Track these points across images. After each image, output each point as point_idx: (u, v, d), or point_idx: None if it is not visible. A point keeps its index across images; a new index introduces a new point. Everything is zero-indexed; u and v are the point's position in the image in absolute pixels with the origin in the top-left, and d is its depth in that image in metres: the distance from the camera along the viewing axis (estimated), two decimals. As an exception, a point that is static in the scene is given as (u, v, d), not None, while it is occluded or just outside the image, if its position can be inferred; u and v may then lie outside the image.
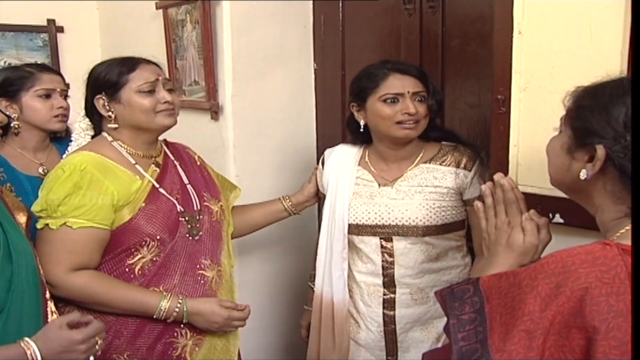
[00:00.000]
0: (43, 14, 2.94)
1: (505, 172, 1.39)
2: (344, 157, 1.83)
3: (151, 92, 1.60)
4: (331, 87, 2.36)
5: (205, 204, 1.73)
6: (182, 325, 1.60)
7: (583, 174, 0.95)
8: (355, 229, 1.74)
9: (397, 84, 1.65)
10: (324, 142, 2.40)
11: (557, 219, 1.30)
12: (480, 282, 0.94)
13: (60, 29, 3.00)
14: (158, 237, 1.58)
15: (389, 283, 1.71)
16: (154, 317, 1.55)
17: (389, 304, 1.72)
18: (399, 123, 1.64)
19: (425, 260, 1.69)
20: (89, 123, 1.69)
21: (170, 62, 2.49)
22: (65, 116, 1.98)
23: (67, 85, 2.04)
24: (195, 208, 1.69)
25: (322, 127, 2.43)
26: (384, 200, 1.72)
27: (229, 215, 1.85)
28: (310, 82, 2.41)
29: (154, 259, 1.59)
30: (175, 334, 1.60)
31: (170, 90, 1.66)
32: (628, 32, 1.15)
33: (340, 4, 2.27)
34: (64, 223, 1.50)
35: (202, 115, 2.34)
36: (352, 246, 1.77)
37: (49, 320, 1.41)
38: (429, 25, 1.97)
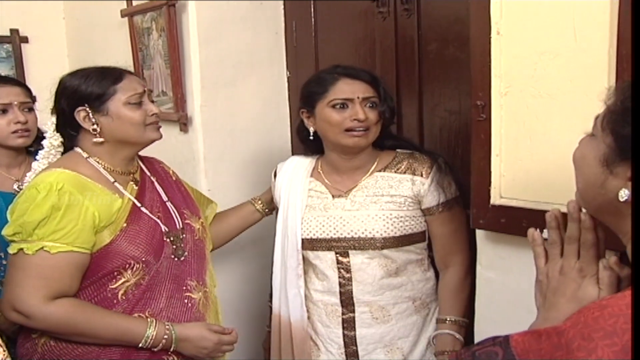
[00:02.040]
0: (6, 23, 2.82)
1: (488, 184, 1.29)
2: (295, 168, 1.76)
3: (139, 104, 1.52)
4: (306, 95, 2.25)
5: (187, 221, 1.64)
6: (169, 353, 1.50)
7: (624, 195, 0.76)
8: (309, 244, 1.65)
9: (347, 89, 1.58)
10: (300, 152, 2.29)
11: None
12: (512, 342, 0.73)
13: (25, 39, 2.88)
14: (143, 259, 1.48)
15: (347, 301, 1.62)
16: (140, 346, 1.45)
17: (348, 323, 1.63)
18: (348, 130, 1.57)
19: (385, 275, 1.60)
20: (61, 139, 1.57)
21: (137, 72, 2.38)
22: (26, 130, 1.87)
23: (31, 96, 1.92)
24: (177, 227, 1.60)
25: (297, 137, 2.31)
26: (338, 212, 1.63)
27: (209, 232, 1.76)
28: (283, 90, 2.32)
29: (139, 282, 1.49)
30: None
31: (152, 102, 1.59)
32: (615, 29, 1.06)
33: (312, 9, 2.17)
34: (41, 248, 1.39)
35: (171, 127, 2.24)
36: (307, 263, 1.68)
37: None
38: (405, 29, 1.88)
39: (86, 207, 1.42)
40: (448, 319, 1.60)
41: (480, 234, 1.37)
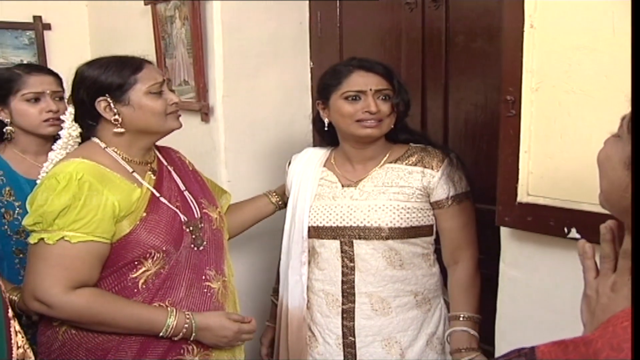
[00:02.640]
0: (29, 10, 2.82)
1: (515, 181, 1.26)
2: (309, 159, 1.78)
3: (160, 93, 1.51)
4: (328, 86, 2.23)
5: (205, 211, 1.63)
6: (188, 342, 1.50)
7: None
8: (315, 232, 1.66)
9: (360, 81, 1.59)
10: (321, 145, 2.28)
11: (574, 233, 1.16)
12: (538, 354, 0.69)
13: (48, 26, 2.87)
14: (164, 249, 1.48)
15: (348, 291, 1.62)
16: (160, 335, 1.45)
17: (347, 314, 1.62)
18: (360, 121, 1.58)
19: (388, 267, 1.59)
20: (80, 130, 1.57)
21: (160, 61, 2.37)
22: (57, 119, 1.87)
23: (62, 85, 1.92)
24: (196, 216, 1.59)
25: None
26: (346, 202, 1.64)
27: (225, 222, 1.75)
28: (306, 81, 2.30)
29: (159, 271, 1.48)
30: (182, 351, 1.50)
31: (172, 91, 1.58)
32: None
33: (338, -1, 2.14)
34: (62, 237, 1.38)
35: (192, 117, 2.22)
36: (312, 252, 1.68)
37: (12, 342, 1.29)
38: (432, 21, 1.85)
39: (106, 197, 1.41)
40: (462, 316, 1.58)
41: (504, 231, 1.34)
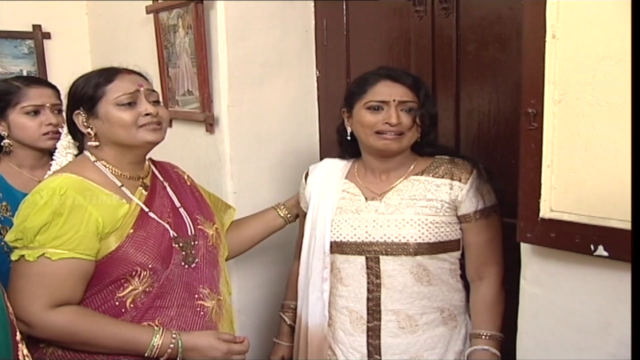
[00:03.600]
0: (28, 19, 2.79)
1: (537, 196, 1.21)
2: (329, 170, 1.71)
3: (131, 104, 1.46)
4: (335, 96, 2.18)
5: (200, 227, 1.59)
6: None
7: None
8: (338, 247, 1.60)
9: (385, 91, 1.54)
10: (328, 155, 2.22)
11: (600, 251, 1.12)
12: None
13: (47, 35, 2.85)
14: (150, 266, 1.43)
15: (374, 308, 1.56)
16: (146, 355, 1.40)
17: (373, 332, 1.57)
18: (379, 133, 1.53)
19: (416, 283, 1.54)
20: (72, 141, 1.55)
21: (162, 71, 2.34)
22: (56, 133, 1.84)
23: (60, 99, 1.89)
24: (189, 233, 1.55)
25: (326, 139, 2.27)
26: (371, 215, 1.58)
27: (224, 239, 1.71)
28: (312, 91, 2.27)
29: (147, 290, 1.44)
30: None
31: (155, 103, 1.51)
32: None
33: (344, 6, 2.11)
34: (42, 254, 1.35)
35: (197, 128, 2.20)
36: (334, 268, 1.62)
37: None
38: (442, 29, 1.81)
39: (89, 213, 1.38)
40: (484, 334, 1.53)
41: (525, 247, 1.29)
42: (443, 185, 1.55)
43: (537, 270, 1.28)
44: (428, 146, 1.62)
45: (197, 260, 1.53)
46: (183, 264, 1.50)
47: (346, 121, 1.64)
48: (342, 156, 1.73)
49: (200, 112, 2.14)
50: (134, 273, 1.42)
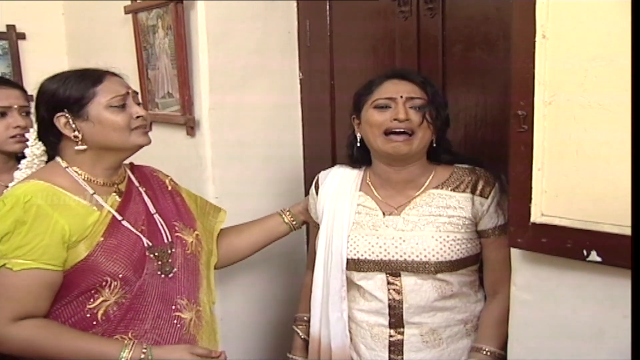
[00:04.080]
0: (2, 19, 2.70)
1: (528, 201, 1.18)
2: (342, 180, 1.62)
3: (122, 106, 1.42)
4: (319, 98, 2.16)
5: (177, 235, 1.53)
6: None
7: None
8: (355, 265, 1.52)
9: (391, 88, 1.49)
10: (312, 159, 2.20)
11: (594, 256, 1.09)
12: None
13: (22, 36, 2.76)
14: (120, 276, 1.38)
15: (396, 323, 1.50)
16: None
17: (396, 347, 1.50)
18: (388, 134, 1.46)
19: (439, 297, 1.48)
20: (42, 148, 1.48)
21: (142, 72, 2.28)
22: (24, 136, 1.77)
23: (28, 100, 1.82)
24: (165, 240, 1.50)
25: (310, 143, 2.23)
26: (389, 232, 1.50)
27: (208, 245, 1.66)
28: (295, 94, 2.22)
29: (120, 301, 1.38)
30: None
31: (139, 105, 1.48)
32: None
33: (327, 7, 2.07)
34: (3, 265, 1.30)
35: (177, 131, 2.14)
36: (351, 283, 1.56)
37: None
38: (428, 30, 1.78)
39: (55, 221, 1.33)
40: (486, 350, 1.46)
41: (515, 253, 1.26)
42: (464, 200, 1.48)
43: (528, 276, 1.25)
44: (445, 153, 1.55)
45: (174, 269, 1.48)
46: (159, 273, 1.45)
47: (356, 128, 1.57)
48: (353, 164, 1.64)
49: (180, 115, 2.08)
50: (104, 283, 1.36)
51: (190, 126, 2.06)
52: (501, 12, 1.59)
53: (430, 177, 1.53)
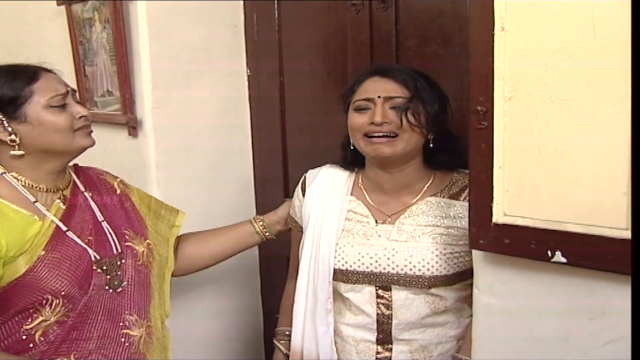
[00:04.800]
0: None
1: (489, 200, 1.14)
2: (332, 183, 1.51)
3: (63, 106, 1.31)
4: (268, 95, 2.09)
5: (128, 244, 1.42)
6: None
7: None
8: (343, 276, 1.42)
9: (370, 87, 1.39)
10: (262, 159, 2.13)
11: (558, 257, 1.05)
12: None
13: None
14: (63, 293, 1.26)
15: (384, 339, 1.41)
16: None
17: None
18: (369, 137, 1.37)
19: (430, 313, 1.40)
20: None
21: (78, 69, 2.15)
22: None
23: None
24: (114, 251, 1.38)
25: (260, 142, 2.15)
26: (382, 242, 1.41)
27: (162, 252, 1.54)
28: (243, 90, 2.14)
29: (62, 320, 1.26)
30: None
31: (80, 104, 1.37)
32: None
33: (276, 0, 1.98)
34: None
35: (118, 131, 2.02)
36: (337, 294, 1.46)
37: None
38: (381, 23, 1.73)
39: None
40: None
41: (477, 255, 1.22)
42: (464, 209, 1.35)
43: (490, 278, 1.20)
44: (445, 155, 1.44)
45: (124, 283, 1.37)
46: (107, 287, 1.33)
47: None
48: (344, 165, 1.54)
49: (121, 115, 1.97)
50: (44, 302, 1.24)
51: (132, 126, 1.96)
52: (457, 4, 1.56)
53: (429, 183, 1.45)
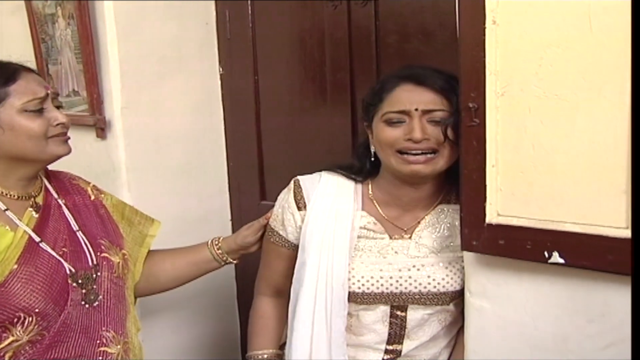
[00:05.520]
0: None
1: (482, 200, 1.10)
2: (337, 196, 1.34)
3: (40, 111, 1.21)
4: (241, 95, 2.02)
5: (104, 255, 1.33)
6: None
7: None
8: (357, 298, 1.29)
9: (404, 97, 1.22)
10: (237, 162, 2.07)
11: (556, 258, 1.02)
12: None
13: None
14: (37, 311, 1.17)
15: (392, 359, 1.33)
16: None
17: None
18: (403, 153, 1.23)
19: (440, 330, 1.33)
20: None
21: (41, 68, 2.06)
22: None
23: None
24: (90, 263, 1.29)
25: (234, 143, 2.09)
26: (399, 259, 1.29)
27: (135, 265, 1.45)
28: (216, 89, 2.07)
29: (35, 339, 1.17)
30: None
31: (58, 108, 1.27)
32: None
33: (249, -4, 1.93)
34: None
35: (86, 133, 1.93)
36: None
37: None
38: (359, 20, 1.70)
39: None
40: None
41: (469, 257, 1.18)
42: None
43: (483, 281, 1.17)
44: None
45: (99, 297, 1.28)
46: (83, 303, 1.25)
47: (370, 138, 1.31)
48: (350, 173, 1.37)
49: (89, 115, 1.89)
50: (15, 320, 1.15)
51: (101, 127, 1.87)
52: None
53: (444, 193, 1.33)
